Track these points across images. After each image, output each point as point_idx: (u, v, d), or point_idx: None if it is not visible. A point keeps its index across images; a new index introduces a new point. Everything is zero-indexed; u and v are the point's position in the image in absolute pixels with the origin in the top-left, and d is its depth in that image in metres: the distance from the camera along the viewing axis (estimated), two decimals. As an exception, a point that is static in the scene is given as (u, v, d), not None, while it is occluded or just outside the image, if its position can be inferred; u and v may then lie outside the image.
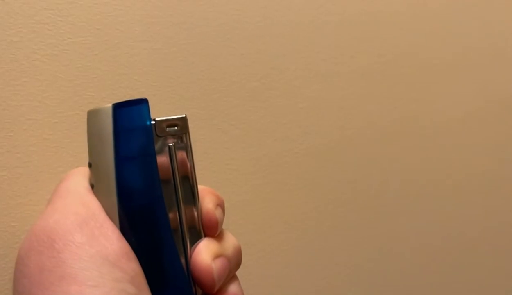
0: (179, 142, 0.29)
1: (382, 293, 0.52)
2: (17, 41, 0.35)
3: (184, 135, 0.29)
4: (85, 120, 0.37)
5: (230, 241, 0.31)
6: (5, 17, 0.34)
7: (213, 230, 0.30)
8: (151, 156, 0.28)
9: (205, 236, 0.30)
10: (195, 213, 0.30)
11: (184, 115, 0.29)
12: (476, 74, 0.56)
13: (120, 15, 0.38)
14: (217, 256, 0.29)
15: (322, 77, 0.47)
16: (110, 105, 0.27)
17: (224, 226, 0.32)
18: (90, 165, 0.29)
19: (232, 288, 0.30)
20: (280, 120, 0.45)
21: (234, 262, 0.31)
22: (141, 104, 0.28)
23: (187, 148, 0.29)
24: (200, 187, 0.31)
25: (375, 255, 0.51)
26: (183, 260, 0.29)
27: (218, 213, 0.30)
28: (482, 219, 0.57)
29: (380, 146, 0.51)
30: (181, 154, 0.29)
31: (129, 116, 0.27)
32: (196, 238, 0.29)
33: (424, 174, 0.54)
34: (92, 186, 0.28)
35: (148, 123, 0.28)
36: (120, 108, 0.27)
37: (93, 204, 0.27)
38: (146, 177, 0.28)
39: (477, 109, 0.56)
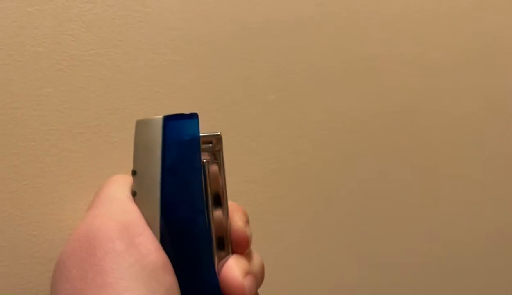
0: (213, 158, 0.29)
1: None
2: (41, 51, 0.35)
3: (217, 152, 0.30)
4: (107, 130, 0.37)
5: (257, 259, 0.31)
6: (29, 28, 0.35)
7: (243, 248, 0.30)
8: (198, 170, 0.28)
9: (233, 252, 0.30)
10: (225, 230, 0.30)
11: (219, 133, 0.30)
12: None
13: (141, 27, 0.38)
14: (247, 273, 0.29)
15: (338, 91, 0.47)
16: (160, 116, 0.28)
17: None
18: (134, 173, 0.29)
19: None
20: (296, 133, 0.45)
21: (260, 280, 0.31)
22: (192, 118, 0.28)
23: (220, 165, 0.30)
24: (229, 203, 0.31)
25: (390, 268, 0.51)
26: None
27: (248, 231, 0.30)
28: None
29: (397, 160, 0.51)
30: (214, 171, 0.29)
31: (179, 129, 0.28)
32: (224, 253, 0.30)
33: (441, 181, 0.54)
34: (133, 193, 0.29)
35: (197, 137, 0.28)
36: (170, 121, 0.28)
37: (135, 212, 0.27)
38: (191, 190, 0.28)
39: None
